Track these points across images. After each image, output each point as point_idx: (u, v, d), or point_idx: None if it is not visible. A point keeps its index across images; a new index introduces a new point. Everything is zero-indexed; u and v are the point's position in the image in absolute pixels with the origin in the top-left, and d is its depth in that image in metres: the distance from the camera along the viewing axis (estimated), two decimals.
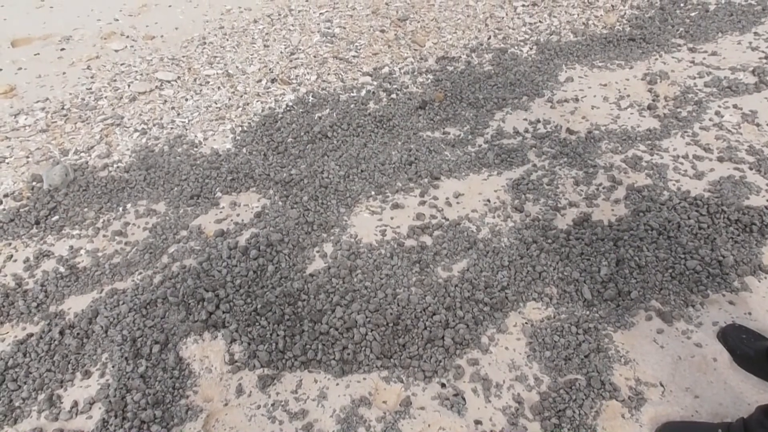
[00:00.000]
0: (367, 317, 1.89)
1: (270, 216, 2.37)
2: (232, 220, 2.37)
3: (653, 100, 3.05)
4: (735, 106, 2.95)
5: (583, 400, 1.65)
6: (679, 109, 2.97)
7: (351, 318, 1.88)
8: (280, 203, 2.45)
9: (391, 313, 1.88)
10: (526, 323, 1.90)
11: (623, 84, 3.23)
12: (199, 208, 2.44)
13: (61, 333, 1.89)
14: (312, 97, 3.21)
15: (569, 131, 2.86)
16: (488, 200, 2.44)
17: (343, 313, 1.90)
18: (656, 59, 3.45)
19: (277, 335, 1.85)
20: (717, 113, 2.91)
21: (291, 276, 2.08)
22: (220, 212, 2.42)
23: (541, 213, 2.35)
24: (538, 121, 2.95)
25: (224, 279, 2.03)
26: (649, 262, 2.06)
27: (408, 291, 2.01)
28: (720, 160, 2.60)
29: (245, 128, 2.95)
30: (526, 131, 2.88)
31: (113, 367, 1.79)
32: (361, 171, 2.63)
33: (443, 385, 1.73)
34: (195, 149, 2.80)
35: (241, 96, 3.21)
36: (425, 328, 1.87)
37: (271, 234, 2.23)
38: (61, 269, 2.17)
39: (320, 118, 3.02)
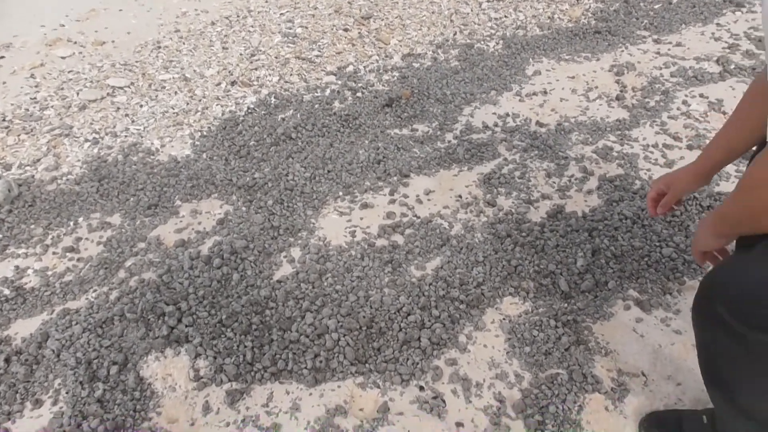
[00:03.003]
0: (338, 322, 1.80)
1: (233, 222, 2.26)
2: (193, 229, 2.26)
3: (621, 91, 3.03)
4: (701, 95, 2.94)
5: (565, 394, 1.59)
6: (647, 99, 2.95)
7: (322, 324, 1.79)
8: (243, 209, 2.34)
9: (364, 317, 1.80)
10: (503, 319, 1.84)
11: (591, 76, 3.21)
12: (158, 218, 2.32)
13: (7, 360, 1.76)
14: (274, 98, 3.11)
15: (539, 124, 2.81)
16: (460, 196, 2.38)
17: (313, 319, 1.81)
18: (622, 51, 3.44)
19: (245, 347, 1.74)
20: (684, 102, 2.90)
21: (257, 284, 1.98)
22: (180, 221, 2.31)
23: (514, 207, 2.29)
24: (507, 114, 2.90)
25: (186, 291, 1.92)
26: (624, 252, 2.02)
27: (381, 292, 1.92)
28: (689, 148, 2.58)
29: (205, 133, 2.84)
30: (496, 125, 2.83)
31: (67, 393, 1.66)
32: (328, 172, 2.54)
33: (421, 388, 1.65)
34: (151, 157, 2.68)
35: (200, 100, 3.09)
36: (400, 330, 1.79)
37: (235, 241, 2.13)
38: (6, 292, 2.02)
39: (284, 119, 2.93)
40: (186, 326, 1.81)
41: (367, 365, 1.71)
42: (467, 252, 2.08)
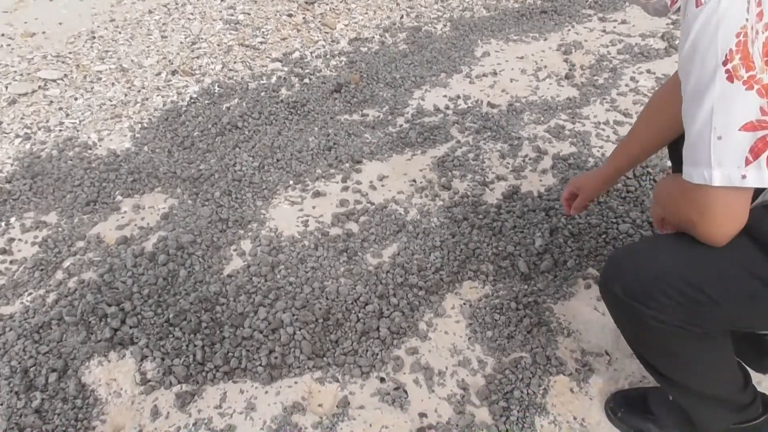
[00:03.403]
0: (293, 315, 1.72)
1: (179, 216, 2.14)
2: (136, 225, 2.14)
3: (570, 70, 3.03)
4: (648, 71, 2.97)
5: (530, 378, 1.56)
6: (595, 77, 2.96)
7: (276, 318, 1.71)
8: (189, 202, 2.23)
9: (320, 308, 1.72)
10: (464, 304, 1.80)
11: (539, 56, 3.20)
12: (97, 215, 2.18)
13: None
14: (218, 87, 2.98)
15: (490, 105, 2.78)
16: (414, 180, 2.32)
17: (267, 313, 1.73)
18: (569, 30, 3.45)
19: (195, 346, 1.65)
20: (632, 79, 2.92)
21: (206, 279, 1.88)
22: (122, 217, 2.18)
23: (469, 189, 2.25)
24: (458, 97, 2.86)
25: (130, 290, 1.80)
26: (582, 230, 2.00)
27: (337, 282, 1.85)
28: None
29: (145, 125, 2.69)
30: (447, 108, 2.78)
31: (1, 404, 1.53)
32: (277, 160, 2.45)
33: (382, 380, 1.59)
34: (89, 151, 2.52)
35: (139, 91, 2.94)
36: (358, 321, 1.72)
37: (181, 235, 2.02)
38: None
39: (229, 108, 2.81)
40: (130, 327, 1.69)
41: (324, 359, 1.64)
42: (424, 237, 2.03)
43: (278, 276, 1.89)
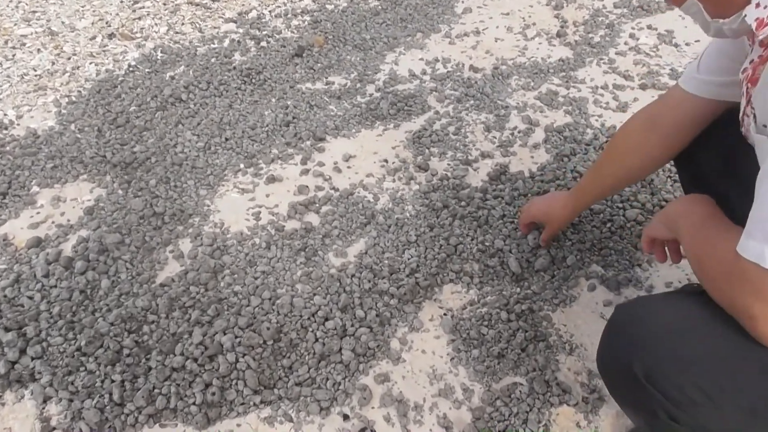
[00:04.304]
0: (236, 337, 1.40)
1: (106, 211, 1.80)
2: (53, 222, 1.79)
3: (562, 27, 2.68)
4: (649, 27, 2.64)
5: (527, 412, 1.27)
6: (590, 35, 2.62)
7: (214, 341, 1.39)
8: (120, 192, 1.88)
9: (269, 327, 1.41)
10: (445, 314, 1.49)
11: (527, 11, 2.84)
12: (7, 211, 1.82)
13: None
14: (162, 52, 2.60)
15: (473, 69, 2.44)
16: (386, 160, 1.99)
17: (203, 335, 1.41)
18: None
19: (112, 381, 1.33)
20: (632, 36, 2.59)
21: (134, 291, 1.55)
22: (38, 213, 1.82)
23: (450, 169, 1.93)
24: (437, 60, 2.50)
25: (37, 308, 1.47)
26: (582, 218, 1.70)
27: (292, 291, 1.54)
28: (642, 87, 2.28)
29: (74, 99, 2.31)
30: (424, 73, 2.43)
31: None
32: (226, 140, 2.09)
33: (346, 417, 1.29)
34: (3, 132, 2.15)
35: (69, 58, 2.54)
36: (316, 341, 1.41)
37: (106, 235, 1.68)
38: None
39: (173, 78, 2.43)
40: (32, 359, 1.37)
41: (275, 391, 1.33)
42: (397, 230, 1.71)
43: (221, 284, 1.57)
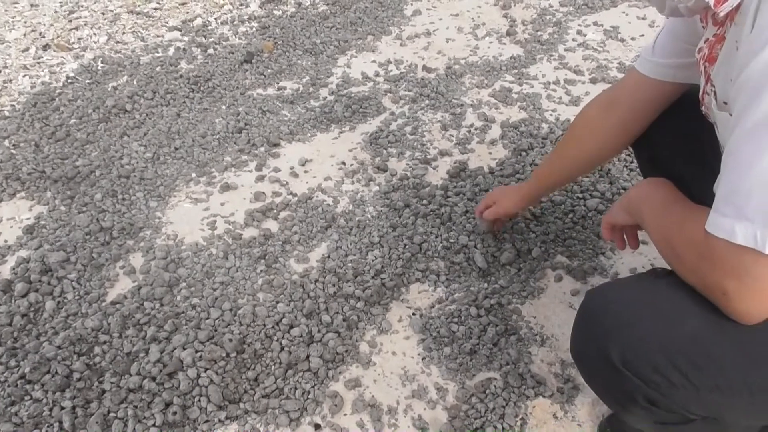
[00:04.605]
0: (196, 351, 1.33)
1: (48, 229, 1.69)
2: None
3: (511, 26, 2.70)
4: (595, 23, 2.69)
5: (503, 407, 1.23)
6: (539, 33, 2.64)
7: (173, 358, 1.31)
8: (62, 208, 1.77)
9: (231, 339, 1.34)
10: (413, 314, 1.45)
11: (476, 12, 2.85)
12: None
13: None
14: (102, 63, 2.49)
15: (426, 69, 2.42)
16: (343, 163, 1.94)
17: (161, 352, 1.33)
18: None
19: (62, 409, 1.23)
20: (579, 32, 2.63)
21: (82, 311, 1.45)
22: None
23: (409, 169, 1.90)
24: (389, 62, 2.48)
25: None
26: (544, 209, 1.69)
27: (253, 300, 1.47)
28: (593, 81, 2.31)
29: (7, 113, 2.18)
30: (377, 75, 2.40)
31: None
32: (175, 149, 2.01)
33: (317, 427, 1.23)
34: None
35: (1, 71, 2.41)
36: (282, 349, 1.35)
37: (49, 254, 1.57)
38: None
39: (115, 88, 2.33)
40: None
41: (240, 406, 1.26)
42: (359, 232, 1.66)
43: (178, 298, 1.49)
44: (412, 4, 2.93)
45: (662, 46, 1.08)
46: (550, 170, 1.36)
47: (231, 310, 1.44)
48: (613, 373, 0.79)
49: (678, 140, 1.17)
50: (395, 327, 1.43)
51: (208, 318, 1.42)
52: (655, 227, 0.89)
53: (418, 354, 1.37)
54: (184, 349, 1.33)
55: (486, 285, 1.51)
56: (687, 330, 0.75)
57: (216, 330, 1.38)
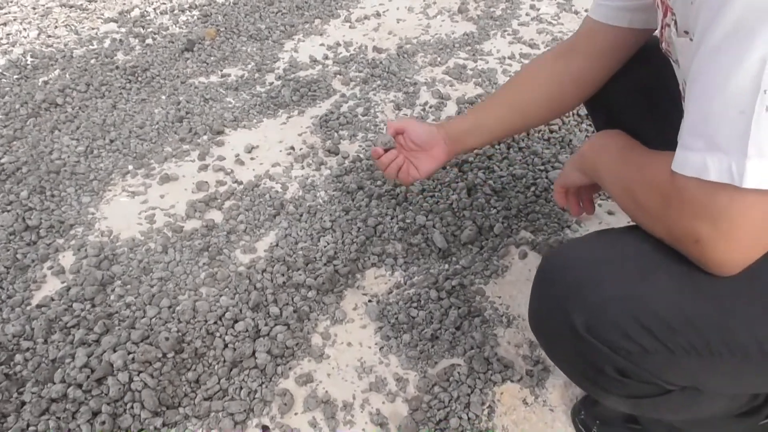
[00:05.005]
0: (129, 353, 1.20)
1: None
2: None
3: (463, 3, 2.62)
4: None
5: (468, 395, 1.14)
6: (491, 9, 2.57)
7: (102, 361, 1.18)
8: None
9: (168, 338, 1.21)
10: (369, 301, 1.35)
11: None
12: None
13: None
14: (32, 57, 2.32)
15: (376, 50, 2.32)
16: (292, 148, 1.83)
17: (88, 356, 1.19)
18: None
19: None
20: (532, 7, 2.56)
21: (3, 316, 1.31)
22: None
23: (362, 151, 1.80)
24: (338, 44, 2.37)
25: None
26: (505, 184, 1.60)
27: (196, 295, 1.35)
28: None
29: None
30: (326, 58, 2.29)
31: None
32: (111, 141, 1.87)
33: (265, 428, 1.11)
34: None
35: None
36: (226, 346, 1.23)
37: None
38: None
39: (46, 83, 2.17)
40: None
41: (180, 411, 1.13)
42: (310, 218, 1.55)
43: (111, 297, 1.35)
44: None
45: None
46: (491, 114, 1.14)
47: (170, 307, 1.31)
48: (577, 342, 0.69)
49: (636, 97, 1.09)
50: (350, 316, 1.32)
51: (143, 317, 1.29)
52: (613, 178, 0.80)
53: (376, 343, 1.26)
54: (115, 351, 1.20)
55: (447, 266, 1.42)
56: (657, 287, 0.66)
57: (152, 329, 1.26)
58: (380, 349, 1.24)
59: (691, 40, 0.66)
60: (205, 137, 1.88)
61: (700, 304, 0.64)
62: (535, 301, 0.78)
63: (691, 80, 0.61)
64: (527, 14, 2.50)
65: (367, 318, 1.31)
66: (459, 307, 1.29)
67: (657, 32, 0.86)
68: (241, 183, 1.70)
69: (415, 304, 1.32)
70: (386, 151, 1.19)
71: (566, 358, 0.78)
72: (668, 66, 0.92)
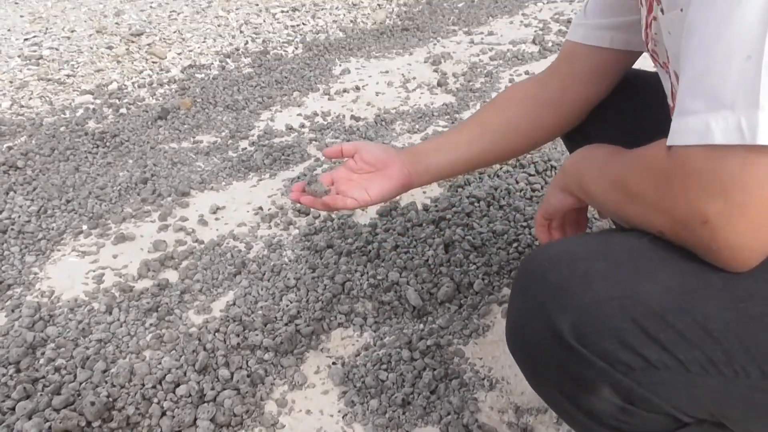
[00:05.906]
0: (46, 421, 1.02)
1: None
2: None
3: (442, 77, 2.63)
4: (527, 72, 2.64)
5: None
6: (471, 83, 2.57)
7: (13, 431, 1.00)
8: None
9: (94, 402, 1.04)
10: (333, 363, 1.19)
11: (406, 69, 2.78)
12: None
13: None
14: (0, 125, 2.26)
15: (354, 118, 2.28)
16: (260, 208, 1.72)
17: None
18: (435, 44, 3.09)
19: None
20: (511, 81, 2.57)
21: None
22: None
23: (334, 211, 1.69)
24: (316, 114, 2.34)
25: None
26: (485, 240, 1.49)
27: (136, 358, 1.19)
28: None
29: None
30: (303, 126, 2.25)
31: None
32: (67, 202, 1.76)
33: None
34: None
35: None
36: (163, 414, 1.06)
37: None
38: None
39: (10, 148, 2.09)
40: None
41: None
42: (273, 277, 1.42)
43: (41, 360, 1.19)
44: (340, 65, 2.85)
45: (594, 4, 0.95)
46: (460, 134, 1.03)
47: (105, 371, 1.15)
48: (563, 353, 0.55)
49: (617, 128, 1.01)
50: (311, 380, 1.16)
51: (72, 381, 1.12)
52: (599, 180, 0.69)
53: (339, 411, 1.10)
54: (30, 418, 1.02)
55: (422, 326, 1.28)
56: (661, 285, 0.53)
57: (79, 394, 1.09)
58: (343, 417, 1.08)
59: (681, 10, 0.58)
60: (169, 198, 1.78)
61: (715, 307, 0.51)
62: (512, 312, 0.64)
63: (686, 35, 0.52)
64: (506, 86, 2.49)
65: (330, 382, 1.15)
66: (434, 369, 1.14)
67: (642, 33, 0.80)
68: (202, 242, 1.58)
69: (384, 366, 1.16)
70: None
71: (549, 379, 0.61)
72: (654, 97, 0.85)
